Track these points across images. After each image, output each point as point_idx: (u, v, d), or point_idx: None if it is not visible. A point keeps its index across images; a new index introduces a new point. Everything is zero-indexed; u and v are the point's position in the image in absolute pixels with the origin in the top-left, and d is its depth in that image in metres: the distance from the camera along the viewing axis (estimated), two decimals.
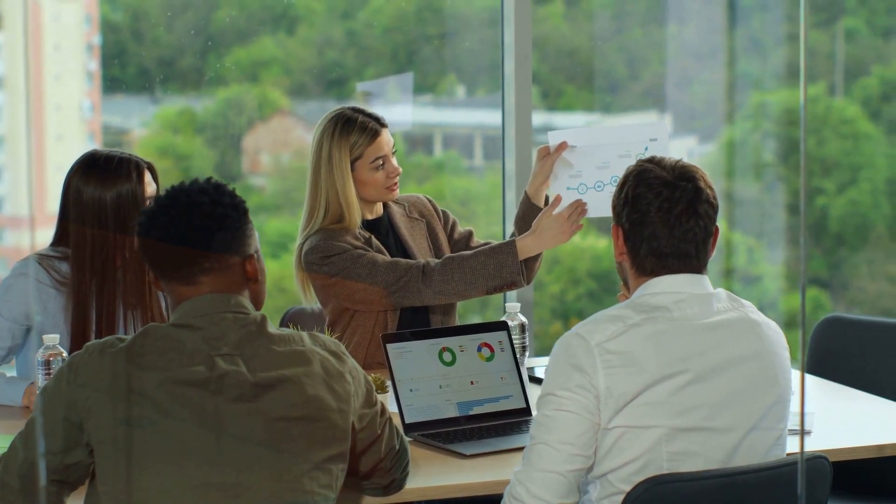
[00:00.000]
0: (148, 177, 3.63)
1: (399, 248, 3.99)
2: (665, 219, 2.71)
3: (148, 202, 3.59)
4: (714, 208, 2.75)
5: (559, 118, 5.85)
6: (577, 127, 3.90)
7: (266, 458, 2.49)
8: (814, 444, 3.17)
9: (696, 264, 2.74)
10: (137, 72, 5.30)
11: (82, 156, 3.64)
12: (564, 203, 3.81)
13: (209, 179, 2.58)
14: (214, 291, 2.54)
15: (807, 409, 3.26)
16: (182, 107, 5.39)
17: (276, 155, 5.62)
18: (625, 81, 6.14)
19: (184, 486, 2.46)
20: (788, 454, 2.79)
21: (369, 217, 3.98)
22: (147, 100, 5.39)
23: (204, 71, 5.34)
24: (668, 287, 2.72)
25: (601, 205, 3.79)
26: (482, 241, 4.14)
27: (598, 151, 3.80)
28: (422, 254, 4.00)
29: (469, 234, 4.13)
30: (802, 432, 2.42)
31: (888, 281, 6.61)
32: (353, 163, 3.88)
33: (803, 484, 2.61)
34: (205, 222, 2.52)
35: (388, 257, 3.87)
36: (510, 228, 4.84)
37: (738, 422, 2.70)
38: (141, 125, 5.45)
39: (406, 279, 3.80)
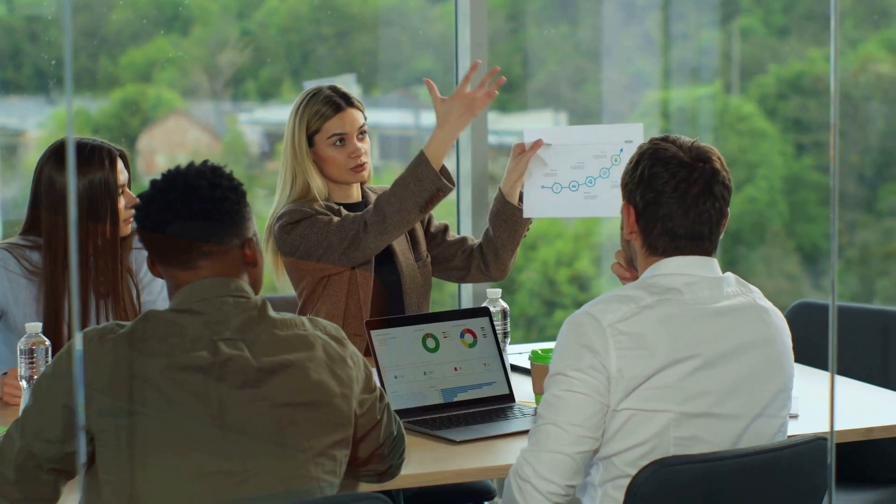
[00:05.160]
0: (120, 164, 3.70)
1: None
2: (681, 199, 2.75)
3: (121, 190, 3.69)
4: (729, 190, 2.80)
5: None
6: (553, 126, 4.06)
7: (272, 444, 2.51)
8: (803, 428, 3.22)
9: (707, 246, 2.79)
10: (33, 73, 5.40)
11: (53, 143, 3.73)
12: (539, 205, 3.96)
13: (205, 162, 2.61)
14: (214, 276, 2.57)
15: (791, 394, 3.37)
16: (77, 108, 5.41)
17: (171, 155, 5.75)
18: (520, 80, 6.27)
19: (188, 474, 2.47)
20: (789, 437, 2.86)
21: (345, 202, 4.06)
22: (43, 101, 5.48)
23: (98, 72, 5.45)
24: (678, 268, 2.78)
25: (575, 205, 3.91)
26: (458, 236, 4.26)
27: (573, 151, 3.90)
28: (398, 243, 4.09)
29: (445, 228, 4.24)
30: (832, 408, 2.53)
31: (785, 278, 6.82)
32: (312, 136, 4.00)
33: (832, 459, 2.58)
34: (204, 206, 2.54)
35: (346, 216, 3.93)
36: (464, 229, 5.03)
37: (744, 408, 2.76)
38: (37, 126, 5.53)
39: (353, 232, 3.87)
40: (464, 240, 4.24)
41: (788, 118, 6.85)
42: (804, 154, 6.87)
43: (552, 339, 4.69)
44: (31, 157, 5.51)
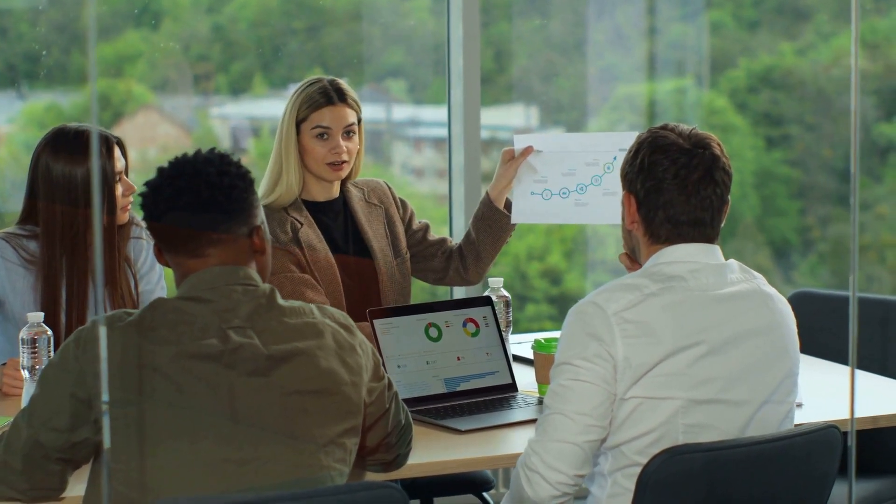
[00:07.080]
0: (117, 152, 3.71)
1: (354, 232, 4.07)
2: (682, 186, 2.79)
3: (118, 178, 3.69)
4: (729, 176, 2.84)
5: (426, 111, 6.10)
6: (545, 133, 4.05)
7: (282, 432, 2.52)
8: (807, 417, 3.28)
9: (710, 233, 2.83)
10: (3, 67, 5.41)
11: (50, 131, 3.74)
12: (528, 211, 3.97)
13: (213, 150, 2.62)
14: (222, 264, 2.58)
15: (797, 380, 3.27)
16: (49, 102, 5.52)
17: (142, 150, 5.69)
18: (492, 74, 6.32)
19: (198, 462, 2.47)
20: (796, 425, 2.90)
21: (320, 199, 4.03)
22: (13, 95, 5.49)
23: (70, 66, 5.48)
24: (682, 256, 2.80)
25: (565, 212, 3.94)
26: (438, 237, 4.24)
27: (565, 158, 3.91)
28: (377, 240, 4.06)
29: (426, 227, 4.22)
30: (853, 397, 2.54)
31: (757, 271, 7.05)
32: (300, 124, 3.94)
33: (853, 444, 2.50)
34: (212, 193, 2.55)
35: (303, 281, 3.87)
36: (457, 223, 5.08)
37: (751, 395, 2.80)
38: (7, 121, 5.55)
39: None
40: (444, 240, 4.24)
41: (758, 112, 6.91)
42: (773, 148, 6.94)
43: (522, 333, 4.74)
44: (2, 152, 5.54)
